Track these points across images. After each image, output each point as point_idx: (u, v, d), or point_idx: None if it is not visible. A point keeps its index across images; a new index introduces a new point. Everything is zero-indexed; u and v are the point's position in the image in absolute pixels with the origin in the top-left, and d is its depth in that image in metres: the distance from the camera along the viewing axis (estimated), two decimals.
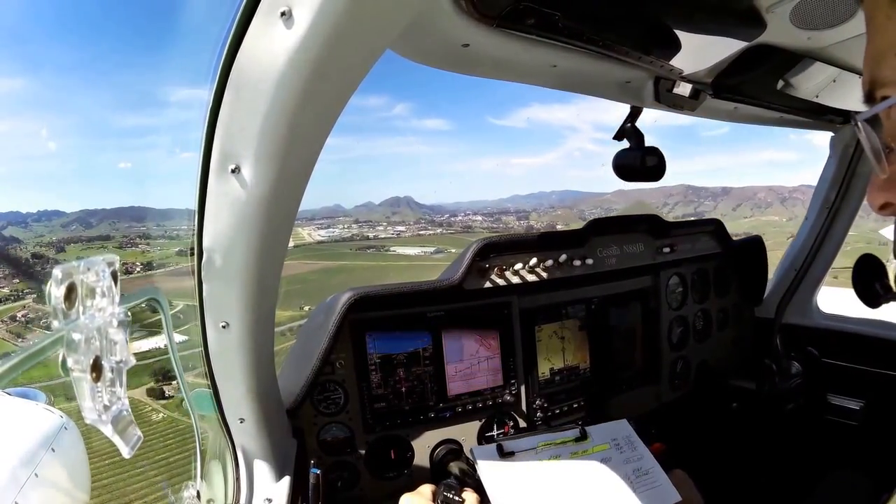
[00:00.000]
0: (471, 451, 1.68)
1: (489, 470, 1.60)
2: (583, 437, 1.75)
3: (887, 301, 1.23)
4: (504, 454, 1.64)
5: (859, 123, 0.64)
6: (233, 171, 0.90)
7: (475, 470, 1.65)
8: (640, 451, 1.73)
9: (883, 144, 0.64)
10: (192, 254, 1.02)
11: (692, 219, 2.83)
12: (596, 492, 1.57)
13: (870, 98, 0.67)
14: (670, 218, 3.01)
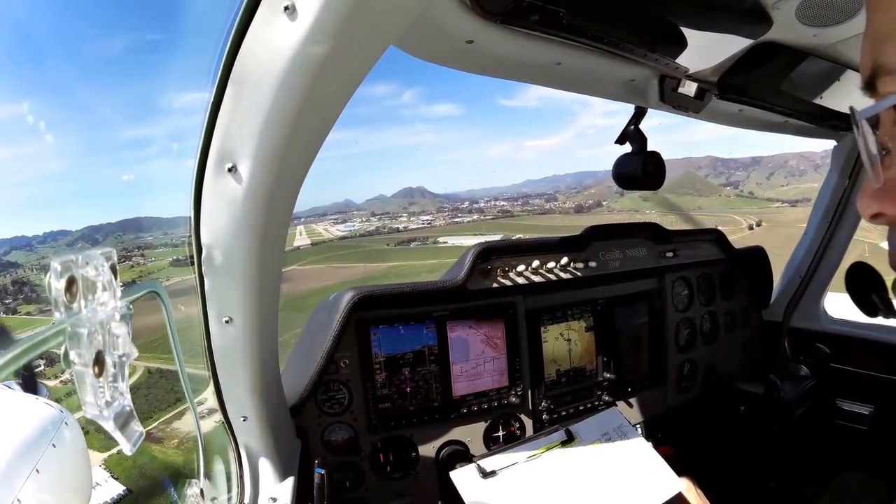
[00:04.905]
0: (449, 476, 1.60)
1: (473, 495, 1.52)
2: (570, 438, 1.71)
3: (887, 316, 1.16)
4: (486, 475, 1.57)
5: (859, 121, 0.55)
6: (229, 170, 0.90)
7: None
8: (634, 441, 1.68)
9: (879, 146, 0.55)
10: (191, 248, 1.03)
11: (692, 228, 2.80)
12: (592, 493, 1.53)
13: (870, 87, 0.57)
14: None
